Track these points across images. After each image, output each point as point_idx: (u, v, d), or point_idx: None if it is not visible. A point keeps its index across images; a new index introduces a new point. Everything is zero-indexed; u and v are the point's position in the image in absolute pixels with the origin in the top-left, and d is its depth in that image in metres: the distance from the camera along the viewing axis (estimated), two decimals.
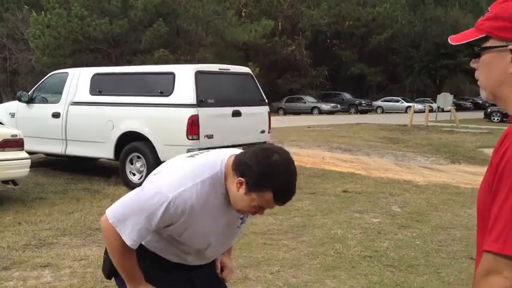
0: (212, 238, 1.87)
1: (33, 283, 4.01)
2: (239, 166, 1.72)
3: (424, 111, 24.39)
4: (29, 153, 6.88)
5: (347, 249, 5.09)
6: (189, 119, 7.14)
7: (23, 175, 6.52)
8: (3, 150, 6.23)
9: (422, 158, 11.94)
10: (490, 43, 1.27)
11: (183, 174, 1.75)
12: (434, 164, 11.33)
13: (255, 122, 8.18)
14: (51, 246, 4.94)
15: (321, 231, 5.71)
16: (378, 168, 10.28)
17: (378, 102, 41.71)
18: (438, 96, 27.26)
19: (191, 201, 1.71)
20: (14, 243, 4.89)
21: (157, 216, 1.69)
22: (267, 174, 1.67)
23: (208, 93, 7.43)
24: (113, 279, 2.01)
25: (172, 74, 7.55)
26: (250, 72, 8.59)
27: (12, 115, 9.11)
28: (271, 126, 8.67)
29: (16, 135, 6.45)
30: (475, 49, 1.32)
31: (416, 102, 40.53)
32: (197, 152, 1.94)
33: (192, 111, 7.18)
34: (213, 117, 7.45)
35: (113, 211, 1.75)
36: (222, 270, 2.14)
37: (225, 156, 1.79)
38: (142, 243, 1.86)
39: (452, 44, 1.37)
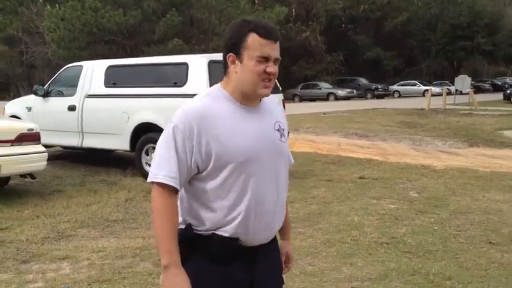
0: (245, 142, 1.74)
1: (52, 275, 4.06)
2: (224, 50, 1.79)
3: (441, 95, 24.08)
4: (46, 146, 6.95)
5: (364, 236, 5.06)
6: None
7: (40, 169, 6.59)
8: (20, 145, 6.31)
9: (440, 142, 11.80)
10: None
11: (184, 106, 1.79)
12: (452, 147, 11.18)
13: None
14: (69, 238, 5.00)
15: (338, 218, 5.68)
16: (394, 154, 10.18)
17: (395, 87, 41.26)
18: (456, 78, 26.87)
19: (196, 113, 1.73)
20: (33, 236, 4.96)
21: (173, 142, 1.71)
22: (237, 27, 1.77)
23: None
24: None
25: (185, 65, 7.54)
26: None
27: (29, 109, 9.20)
28: (286, 113, 8.60)
29: (32, 129, 6.51)
30: None
31: (433, 85, 39.96)
32: None
33: None
34: None
35: (151, 172, 1.75)
36: (285, 262, 2.08)
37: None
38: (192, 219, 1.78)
39: None
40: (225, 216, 1.76)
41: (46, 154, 6.64)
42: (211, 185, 1.76)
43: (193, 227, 1.79)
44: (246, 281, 1.82)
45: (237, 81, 1.77)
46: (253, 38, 1.74)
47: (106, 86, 8.33)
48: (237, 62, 1.76)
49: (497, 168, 8.62)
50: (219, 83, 1.84)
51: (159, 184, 1.72)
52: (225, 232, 1.77)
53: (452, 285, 3.88)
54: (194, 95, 6.81)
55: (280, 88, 8.70)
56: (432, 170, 8.42)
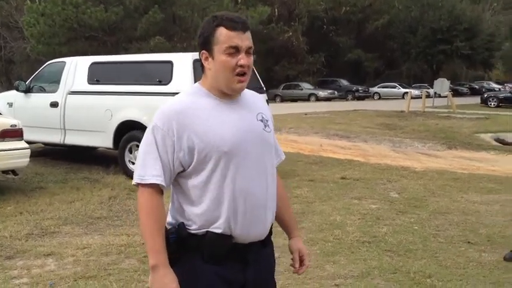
0: (228, 134, 1.73)
1: (37, 271, 4.06)
2: (198, 48, 1.81)
3: (421, 97, 24.44)
4: (28, 142, 6.89)
5: (346, 235, 5.15)
6: None
7: (23, 165, 6.55)
8: (3, 141, 6.25)
9: (419, 144, 12.01)
10: None
11: (162, 106, 1.80)
12: (432, 149, 11.40)
13: None
14: (53, 235, 4.99)
15: (320, 217, 5.77)
16: (375, 155, 10.34)
17: (375, 89, 41.69)
18: (435, 81, 27.29)
19: (174, 109, 1.74)
20: (16, 233, 4.94)
21: (154, 141, 1.72)
22: (208, 21, 1.78)
23: None
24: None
25: (170, 63, 7.55)
26: None
27: (10, 105, 9.10)
28: None
29: (15, 125, 6.46)
30: None
31: (413, 88, 40.56)
32: None
33: None
34: None
35: (136, 173, 1.76)
36: (300, 262, 2.06)
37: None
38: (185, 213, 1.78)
39: None
40: (213, 210, 1.75)
41: (29, 150, 6.59)
42: (197, 180, 1.75)
43: (186, 227, 1.78)
44: (238, 282, 1.81)
45: (212, 78, 1.78)
46: (220, 32, 1.74)
47: (89, 83, 8.28)
48: (209, 58, 1.77)
49: (474, 171, 8.83)
50: (197, 82, 1.86)
51: (144, 185, 1.73)
52: (217, 229, 1.76)
53: (432, 282, 3.99)
54: (179, 93, 6.83)
55: (265, 88, 8.76)
56: (412, 172, 8.59)
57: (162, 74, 7.54)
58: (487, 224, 5.59)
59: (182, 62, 7.48)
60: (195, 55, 7.75)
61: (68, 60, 8.88)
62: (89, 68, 8.36)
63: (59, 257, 4.39)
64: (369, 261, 4.43)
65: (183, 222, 1.80)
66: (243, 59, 1.74)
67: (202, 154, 1.72)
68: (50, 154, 9.43)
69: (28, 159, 6.56)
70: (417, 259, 4.51)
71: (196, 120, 1.72)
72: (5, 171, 6.59)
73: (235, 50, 1.73)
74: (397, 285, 3.94)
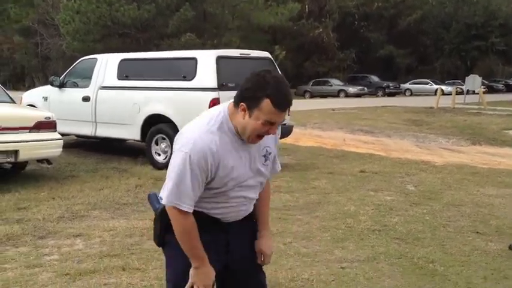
0: (242, 177, 2.08)
1: (66, 250, 4.43)
2: (236, 97, 1.99)
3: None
4: (62, 134, 7.34)
5: (358, 223, 5.35)
6: (210, 102, 7.47)
7: (56, 155, 6.99)
8: (38, 132, 6.70)
9: (443, 140, 12.03)
10: None
11: (192, 131, 2.01)
12: (455, 145, 11.42)
13: None
14: (82, 218, 5.37)
15: (335, 207, 5.98)
16: (397, 150, 10.45)
17: (407, 85, 41.24)
18: (467, 78, 26.93)
19: (208, 147, 1.96)
20: (49, 216, 5.34)
21: (188, 173, 1.95)
22: (258, 84, 1.92)
23: (229, 77, 7.74)
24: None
25: (194, 59, 7.89)
26: (270, 57, 8.84)
27: (45, 99, 9.61)
28: (295, 108, 8.90)
29: (49, 118, 6.90)
30: None
31: (446, 84, 39.92)
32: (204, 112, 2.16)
33: (213, 95, 7.52)
34: None
35: (166, 196, 2.03)
36: (262, 259, 2.30)
37: (225, 104, 2.07)
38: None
39: None
40: (209, 209, 2.12)
41: (62, 141, 7.03)
42: (207, 192, 2.08)
43: None
44: (222, 243, 2.18)
45: (240, 125, 1.99)
46: (267, 104, 1.91)
47: (119, 79, 8.71)
48: (246, 112, 1.95)
49: (495, 166, 8.86)
50: (230, 106, 2.03)
51: (181, 210, 2.03)
52: (207, 213, 2.14)
53: (434, 267, 4.18)
54: (202, 88, 7.24)
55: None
56: (432, 166, 8.68)
57: (187, 70, 7.89)
58: (498, 216, 5.70)
59: (206, 58, 7.81)
60: (219, 52, 8.09)
61: (99, 57, 9.34)
62: (118, 64, 8.79)
63: (86, 237, 4.76)
64: (376, 248, 4.64)
65: None
66: (272, 130, 2.01)
67: (222, 180, 2.05)
68: (82, 146, 9.93)
69: (61, 149, 7.00)
70: (424, 247, 4.69)
71: (222, 158, 2.00)
72: (40, 160, 7.06)
73: (270, 123, 1.98)
74: (400, 269, 4.15)
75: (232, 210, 2.16)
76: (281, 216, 5.56)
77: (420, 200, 6.40)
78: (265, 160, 2.17)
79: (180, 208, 1.99)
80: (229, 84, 7.73)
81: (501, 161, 9.37)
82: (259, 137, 2.03)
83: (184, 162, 1.95)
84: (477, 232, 5.15)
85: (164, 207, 2.08)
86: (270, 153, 2.18)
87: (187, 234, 2.04)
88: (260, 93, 1.91)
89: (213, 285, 2.16)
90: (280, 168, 2.34)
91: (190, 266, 2.09)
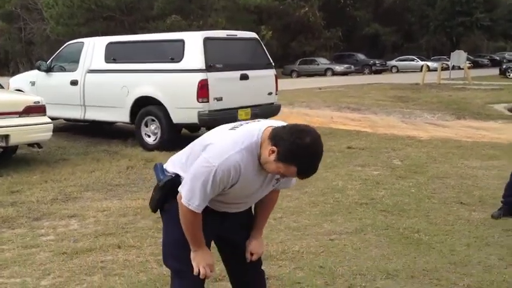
0: (252, 191, 2.24)
1: (62, 230, 4.53)
2: (275, 137, 2.05)
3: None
4: (51, 119, 7.37)
5: (346, 197, 5.51)
6: (198, 83, 7.56)
7: (46, 138, 7.04)
8: (28, 116, 6.74)
9: (428, 115, 12.22)
10: None
11: (225, 145, 2.09)
12: (440, 120, 11.61)
13: (262, 84, 8.53)
14: (76, 200, 5.46)
15: (323, 183, 6.11)
16: (384, 126, 10.61)
17: (393, 62, 41.38)
18: (452, 54, 27.14)
19: (234, 166, 2.06)
20: (42, 198, 5.42)
21: (210, 183, 2.07)
22: (296, 153, 1.99)
23: (216, 58, 7.80)
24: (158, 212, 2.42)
25: (181, 41, 7.92)
26: (256, 37, 8.90)
27: (33, 83, 9.59)
28: (282, 88, 9.03)
29: (38, 102, 6.93)
30: None
31: (432, 60, 40.09)
32: (238, 123, 2.25)
33: (201, 76, 7.59)
34: (222, 80, 7.83)
35: (184, 195, 2.15)
36: (251, 254, 2.44)
37: (262, 126, 2.14)
38: None
39: None
40: (209, 203, 2.21)
41: (52, 125, 7.07)
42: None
43: (181, 179, 2.24)
44: (217, 218, 2.31)
45: (265, 158, 2.09)
46: (292, 169, 2.03)
47: (106, 62, 8.72)
48: (274, 155, 2.04)
49: (479, 139, 9.05)
50: (265, 132, 2.11)
51: (192, 210, 2.17)
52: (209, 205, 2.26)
53: (419, 237, 4.34)
54: (190, 70, 7.30)
55: (273, 63, 9.07)
56: (417, 141, 8.85)
57: (175, 52, 7.93)
58: (482, 187, 5.88)
59: (193, 40, 7.85)
60: (206, 33, 8.13)
61: (86, 40, 9.32)
62: (105, 47, 8.79)
63: (81, 218, 4.86)
64: (363, 220, 4.79)
65: (178, 174, 2.28)
66: (287, 178, 2.22)
67: (232, 192, 2.18)
68: (71, 129, 9.95)
69: (51, 133, 7.04)
70: (409, 218, 4.85)
71: (242, 177, 2.12)
72: (31, 144, 7.11)
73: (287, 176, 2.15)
74: (386, 239, 4.30)
75: (232, 207, 2.32)
76: None
77: (406, 174, 6.56)
78: (277, 182, 2.30)
79: (190, 207, 2.14)
80: (217, 65, 7.80)
81: (485, 134, 9.57)
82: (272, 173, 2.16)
83: (209, 173, 2.07)
84: (461, 203, 5.32)
85: (168, 180, 2.25)
86: (283, 177, 2.28)
87: (192, 226, 2.20)
88: (294, 160, 2.01)
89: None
90: (294, 183, 2.45)
91: (184, 235, 2.23)
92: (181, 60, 7.85)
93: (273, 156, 2.04)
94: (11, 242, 4.22)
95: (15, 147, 7.26)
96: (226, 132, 2.19)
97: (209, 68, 7.65)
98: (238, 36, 8.60)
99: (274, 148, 2.03)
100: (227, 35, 8.45)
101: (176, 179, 2.25)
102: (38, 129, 6.83)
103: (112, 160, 7.38)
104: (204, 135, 2.30)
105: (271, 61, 8.97)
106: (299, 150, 1.98)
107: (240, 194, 2.23)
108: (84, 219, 4.83)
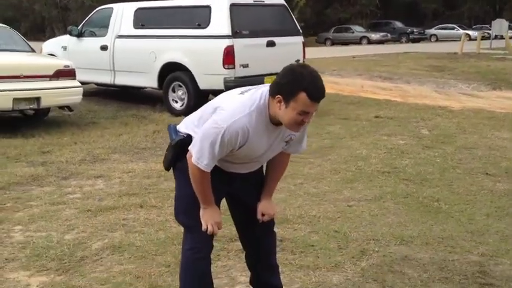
0: (260, 152, 2.28)
1: (88, 189, 4.70)
2: (273, 88, 2.12)
3: (481, 39, 23.53)
4: (81, 83, 7.54)
5: (368, 166, 5.48)
6: (224, 50, 7.56)
7: (76, 102, 7.23)
8: (58, 80, 6.93)
9: (463, 85, 11.90)
10: None
11: (234, 108, 2.15)
12: (475, 90, 11.30)
13: (289, 51, 8.44)
14: (103, 161, 5.63)
15: (347, 151, 6.09)
16: (415, 95, 10.41)
17: (432, 31, 40.03)
18: (493, 22, 26.10)
19: (242, 129, 2.12)
20: (71, 159, 5.61)
21: (218, 144, 2.12)
22: (297, 81, 2.05)
23: (242, 24, 7.77)
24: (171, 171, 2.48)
25: (208, 7, 7.91)
26: (284, 3, 8.78)
27: (64, 48, 9.78)
28: (314, 56, 8.94)
29: (68, 66, 7.10)
30: None
31: (473, 29, 38.68)
32: (247, 88, 2.29)
33: (227, 42, 7.59)
34: (248, 47, 7.81)
35: (194, 154, 2.20)
36: (262, 215, 2.49)
37: (265, 89, 2.20)
38: None
39: None
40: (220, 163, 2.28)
41: (81, 89, 7.25)
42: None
43: (192, 139, 2.30)
44: (225, 177, 2.38)
45: (277, 114, 2.13)
46: (302, 97, 2.04)
47: (135, 27, 8.81)
48: (282, 104, 2.08)
49: None
50: (269, 95, 2.14)
51: (201, 168, 2.22)
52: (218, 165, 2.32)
53: (439, 205, 4.31)
54: (216, 36, 7.26)
55: (301, 30, 8.96)
56: (448, 111, 8.67)
57: (201, 18, 7.94)
58: (510, 158, 5.76)
59: (219, 6, 7.83)
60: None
61: (115, 6, 9.39)
62: (134, 13, 8.87)
63: (107, 178, 5.01)
64: (384, 188, 4.78)
65: (190, 135, 2.34)
66: (307, 119, 2.14)
67: (240, 153, 2.23)
68: (102, 94, 10.15)
69: (81, 96, 7.22)
70: (431, 187, 4.80)
71: (251, 138, 2.17)
72: (61, 107, 7.32)
73: (305, 113, 2.10)
74: (405, 207, 4.29)
75: (239, 168, 2.37)
76: (293, 159, 5.56)
77: (433, 144, 6.46)
78: (285, 144, 2.34)
79: (201, 167, 2.20)
80: (244, 32, 7.77)
81: None
82: (297, 126, 2.16)
83: (217, 134, 2.12)
84: (486, 173, 5.23)
85: (180, 139, 2.33)
86: (292, 139, 2.34)
87: (201, 184, 2.27)
88: (297, 87, 2.04)
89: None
90: (304, 148, 2.50)
91: (194, 193, 2.30)
92: (207, 26, 7.85)
93: (282, 105, 2.08)
94: (39, 199, 4.40)
95: (46, 110, 7.49)
96: (236, 96, 2.26)
97: (235, 34, 7.63)
98: (265, 2, 8.51)
99: (279, 96, 2.08)
100: (254, 1, 8.37)
101: (187, 139, 2.32)
102: (68, 92, 7.02)
103: (140, 124, 7.53)
104: (215, 98, 2.36)
105: (299, 28, 8.86)
106: (298, 78, 2.05)
107: (248, 155, 2.28)
108: (109, 179, 4.99)
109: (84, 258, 3.32)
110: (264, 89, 2.21)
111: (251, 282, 2.73)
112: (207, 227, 2.33)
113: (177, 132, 2.39)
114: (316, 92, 2.06)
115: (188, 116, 2.45)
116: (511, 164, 5.54)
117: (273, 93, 2.12)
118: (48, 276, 3.08)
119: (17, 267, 3.20)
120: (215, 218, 2.35)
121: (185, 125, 2.40)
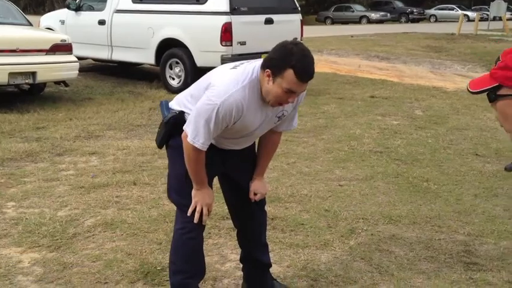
0: (253, 128, 2.28)
1: (82, 166, 4.74)
2: (264, 63, 2.13)
3: (480, 20, 23.43)
4: (78, 58, 7.52)
5: (361, 145, 5.54)
6: (222, 26, 7.53)
7: (72, 77, 7.22)
8: (54, 54, 6.90)
9: (459, 66, 11.92)
10: (502, 91, 1.45)
11: (227, 84, 2.14)
12: (470, 71, 11.32)
13: (287, 29, 8.41)
14: (98, 138, 5.66)
15: (341, 130, 6.15)
16: (411, 76, 10.43)
17: (432, 11, 39.90)
18: (491, 3, 25.94)
19: (236, 104, 2.12)
20: (66, 135, 5.63)
21: (213, 121, 2.12)
22: (285, 57, 2.05)
23: (241, 1, 7.72)
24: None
25: None
26: None
27: (62, 22, 9.71)
28: (314, 35, 8.92)
29: (65, 40, 7.07)
30: (490, 96, 1.50)
31: (473, 10, 38.46)
32: (239, 62, 2.28)
33: (225, 19, 7.55)
34: (246, 24, 7.78)
35: (190, 133, 2.19)
36: (254, 194, 2.50)
37: (257, 63, 2.20)
38: None
39: (471, 91, 1.55)
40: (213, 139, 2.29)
41: (78, 64, 7.24)
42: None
43: (185, 115, 2.32)
44: (218, 155, 2.38)
45: (265, 88, 2.14)
46: (289, 74, 2.04)
47: (133, 2, 8.74)
48: (270, 78, 2.09)
49: None
50: (260, 68, 2.15)
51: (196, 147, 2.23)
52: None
53: (428, 185, 4.38)
54: (214, 12, 7.19)
55: (299, 8, 8.91)
56: (442, 92, 8.71)
57: None
58: (500, 140, 5.82)
59: None
60: None
61: None
62: None
63: (101, 155, 5.05)
64: (375, 168, 4.84)
65: (183, 111, 2.35)
66: (292, 98, 2.15)
67: (234, 129, 2.23)
68: (99, 70, 10.13)
69: (77, 71, 7.21)
70: (421, 167, 4.88)
71: (245, 115, 2.18)
72: (57, 82, 7.31)
73: (291, 92, 2.11)
74: (395, 187, 4.36)
75: (232, 143, 2.38)
76: (287, 138, 5.73)
77: (426, 124, 6.52)
78: (278, 120, 2.35)
79: (197, 146, 2.21)
80: (242, 8, 7.73)
81: None
82: (280, 104, 2.17)
83: (212, 111, 2.12)
84: (476, 154, 5.31)
85: (171, 116, 2.33)
86: (285, 115, 2.35)
87: (195, 164, 2.26)
88: (285, 63, 2.05)
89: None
90: (296, 125, 2.52)
91: (187, 171, 2.32)
92: (206, 2, 7.81)
93: (270, 80, 2.10)
94: (32, 175, 4.44)
95: (42, 85, 7.49)
96: (228, 71, 2.25)
97: (233, 10, 7.59)
98: None
99: (268, 71, 2.10)
100: None
101: (180, 116, 2.32)
102: (64, 67, 7.01)
103: (136, 101, 7.54)
104: (207, 74, 2.35)
105: (298, 5, 8.82)
106: (287, 54, 2.05)
107: (241, 130, 2.28)
108: (104, 156, 5.03)
109: (76, 235, 3.36)
110: (257, 63, 2.21)
111: (241, 260, 2.76)
112: (195, 209, 2.35)
113: (169, 109, 2.39)
114: (303, 70, 2.06)
115: (181, 93, 2.45)
116: (501, 145, 5.60)
117: (263, 67, 2.14)
118: (40, 253, 3.12)
119: (9, 243, 3.24)
120: (206, 199, 2.36)
121: (177, 102, 2.40)
